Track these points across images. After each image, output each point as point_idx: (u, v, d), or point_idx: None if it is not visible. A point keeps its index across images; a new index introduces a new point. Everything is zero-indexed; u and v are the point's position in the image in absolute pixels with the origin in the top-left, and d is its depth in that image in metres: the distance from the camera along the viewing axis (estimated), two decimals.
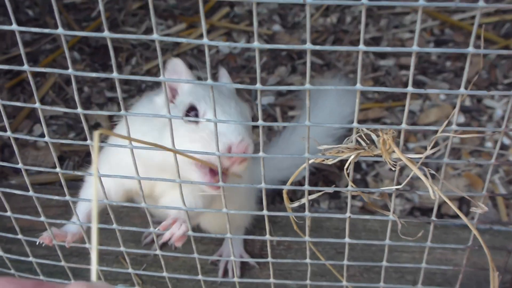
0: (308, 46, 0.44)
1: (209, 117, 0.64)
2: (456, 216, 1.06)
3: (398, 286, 0.65)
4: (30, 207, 0.95)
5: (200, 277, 0.67)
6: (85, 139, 1.22)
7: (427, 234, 0.92)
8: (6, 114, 1.26)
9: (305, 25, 1.48)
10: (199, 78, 0.77)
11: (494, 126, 1.18)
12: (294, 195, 1.06)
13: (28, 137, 0.57)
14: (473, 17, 1.43)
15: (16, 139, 1.24)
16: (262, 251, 0.89)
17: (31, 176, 1.12)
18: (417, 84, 1.30)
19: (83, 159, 1.16)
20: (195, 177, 0.62)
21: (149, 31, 1.46)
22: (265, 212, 0.58)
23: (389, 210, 0.59)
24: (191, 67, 1.36)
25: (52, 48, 1.43)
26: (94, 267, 0.37)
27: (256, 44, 0.44)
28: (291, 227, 0.92)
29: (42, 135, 1.22)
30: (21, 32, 1.49)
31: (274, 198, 1.06)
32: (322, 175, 1.11)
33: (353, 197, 1.09)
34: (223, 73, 0.76)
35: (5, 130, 1.23)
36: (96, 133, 0.44)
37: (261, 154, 0.53)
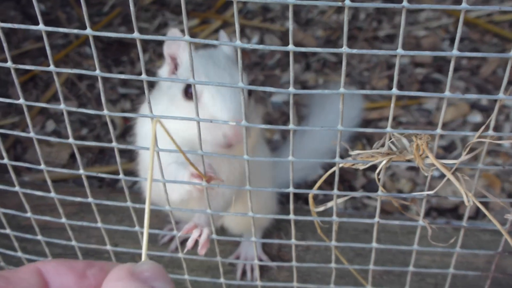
0: (344, 50, 0.43)
1: (206, 97, 0.64)
2: (475, 217, 1.04)
3: None
4: (44, 205, 0.95)
5: (222, 280, 0.66)
6: (98, 136, 1.21)
7: (447, 236, 0.91)
8: (19, 110, 1.25)
9: (319, 21, 1.46)
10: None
11: (511, 126, 1.17)
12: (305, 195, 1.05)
13: (53, 139, 0.56)
14: (489, 15, 1.42)
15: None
16: (280, 251, 0.88)
17: (42, 173, 1.11)
18: (432, 82, 1.28)
19: (96, 155, 1.15)
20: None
21: (161, 26, 1.45)
22: (291, 217, 0.57)
23: (410, 212, 0.58)
24: None
25: (65, 43, 1.42)
26: (144, 247, 0.36)
27: (291, 47, 0.43)
28: (309, 228, 0.92)
29: (55, 131, 1.21)
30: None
31: (287, 197, 1.05)
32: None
33: (369, 197, 1.08)
34: (222, 36, 0.75)
35: (18, 126, 1.22)
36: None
37: (290, 158, 0.52)
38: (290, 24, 0.41)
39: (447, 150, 1.13)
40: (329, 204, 0.58)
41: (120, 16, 1.50)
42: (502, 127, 1.17)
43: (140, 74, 1.34)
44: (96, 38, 1.51)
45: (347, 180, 1.10)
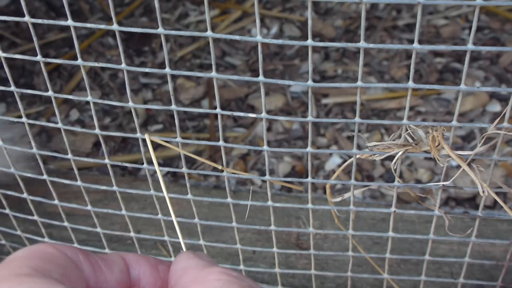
0: (362, 44, 0.44)
1: None
2: (492, 207, 1.05)
3: (439, 280, 0.65)
4: (69, 192, 0.97)
5: (241, 267, 0.68)
6: (121, 125, 1.23)
7: (464, 225, 0.92)
8: (44, 99, 1.28)
9: (338, 11, 1.47)
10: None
11: None
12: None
13: (79, 129, 0.58)
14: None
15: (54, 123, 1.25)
16: (299, 240, 0.90)
17: (68, 162, 1.14)
18: (451, 71, 1.29)
19: (119, 144, 1.17)
20: None
21: (182, 17, 1.47)
22: (309, 206, 0.58)
23: (427, 202, 0.59)
24: (224, 53, 1.37)
25: (88, 33, 1.44)
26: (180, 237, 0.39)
27: (309, 41, 0.44)
28: (328, 216, 0.93)
29: (78, 121, 1.24)
30: (57, 17, 1.50)
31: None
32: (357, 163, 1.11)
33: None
34: None
35: (43, 115, 1.25)
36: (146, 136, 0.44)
37: (309, 149, 0.53)
38: (309, 19, 0.43)
39: (466, 140, 1.14)
40: (346, 195, 0.60)
41: (141, 6, 1.52)
42: None
43: (161, 64, 1.35)
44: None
45: (365, 169, 1.11)
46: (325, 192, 1.07)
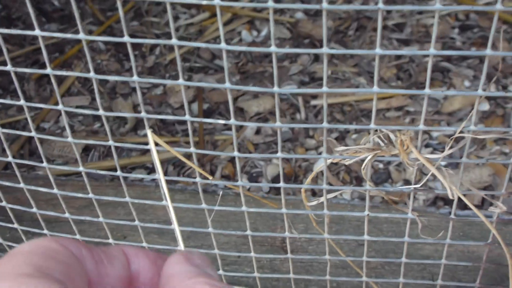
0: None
1: None
2: (480, 206, 1.05)
3: (418, 282, 0.65)
4: (56, 198, 0.98)
5: (220, 272, 0.68)
6: (110, 130, 1.23)
7: (448, 225, 0.92)
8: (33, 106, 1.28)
9: (328, 11, 1.47)
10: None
11: None
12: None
13: (53, 137, 0.58)
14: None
15: (44, 130, 1.26)
16: (283, 243, 0.90)
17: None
18: (441, 71, 1.29)
19: (108, 149, 1.18)
20: None
21: (173, 20, 1.47)
22: (284, 211, 0.58)
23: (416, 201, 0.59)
24: (214, 56, 1.37)
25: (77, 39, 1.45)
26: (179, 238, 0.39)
27: (273, 48, 0.44)
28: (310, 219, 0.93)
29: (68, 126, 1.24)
30: (47, 22, 1.50)
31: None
32: (343, 164, 1.11)
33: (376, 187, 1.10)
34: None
35: (33, 121, 1.25)
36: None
37: (279, 154, 0.53)
38: (272, 30, 0.43)
39: (454, 139, 1.14)
40: (321, 199, 0.60)
41: (132, 10, 1.52)
42: (510, 114, 1.17)
43: (151, 67, 1.35)
44: (108, 32, 1.53)
45: (354, 170, 1.11)
46: (313, 194, 1.07)
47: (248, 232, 0.61)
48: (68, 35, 0.50)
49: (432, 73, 1.28)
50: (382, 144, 0.54)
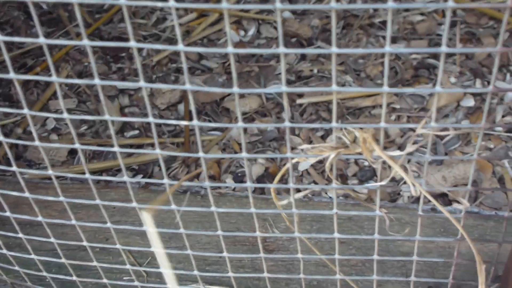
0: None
1: None
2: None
3: (391, 278, 0.65)
4: (39, 201, 0.98)
5: (195, 272, 0.68)
6: (97, 132, 1.24)
7: (430, 221, 0.92)
8: (19, 108, 1.28)
9: (315, 10, 1.47)
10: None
11: (504, 109, 1.17)
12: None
13: (22, 142, 0.59)
14: None
15: (30, 133, 1.26)
16: (265, 242, 0.90)
17: (43, 170, 1.14)
18: (427, 68, 1.28)
19: (94, 151, 1.18)
20: None
21: (160, 21, 1.47)
22: (252, 210, 0.59)
23: (396, 198, 0.60)
24: (201, 57, 1.38)
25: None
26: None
27: (230, 49, 0.44)
28: (293, 217, 0.93)
29: (55, 129, 1.25)
30: (34, 26, 1.49)
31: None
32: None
33: (361, 184, 1.10)
34: None
35: (19, 126, 1.25)
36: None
37: (244, 154, 0.53)
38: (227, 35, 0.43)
39: (439, 136, 1.14)
40: (291, 198, 0.60)
41: (120, 12, 1.52)
42: (495, 110, 1.17)
43: (136, 71, 1.34)
44: (96, 35, 1.53)
45: (339, 168, 1.11)
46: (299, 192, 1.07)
47: (219, 232, 0.61)
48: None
49: (418, 70, 1.28)
50: (347, 142, 0.54)
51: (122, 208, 0.97)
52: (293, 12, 1.46)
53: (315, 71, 1.31)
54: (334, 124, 0.51)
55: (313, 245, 0.90)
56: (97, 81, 0.50)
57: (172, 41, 1.42)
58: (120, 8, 1.53)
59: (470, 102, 1.19)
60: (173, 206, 0.60)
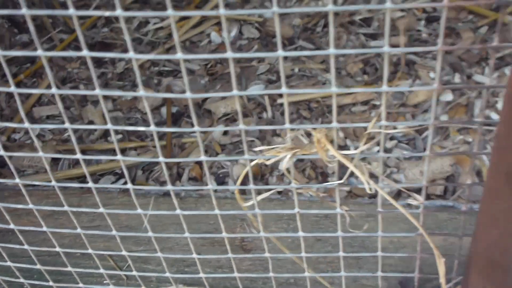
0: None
1: None
2: (442, 196, 1.06)
3: (358, 274, 0.67)
4: (21, 208, 0.99)
5: (167, 274, 0.69)
6: (81, 137, 1.25)
7: (405, 217, 0.93)
8: (4, 116, 1.30)
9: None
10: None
11: (481, 103, 1.18)
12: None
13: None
14: None
15: (15, 140, 1.27)
16: (243, 242, 0.91)
17: (27, 177, 1.15)
18: (407, 64, 1.29)
19: None
20: None
21: (142, 25, 1.48)
22: (217, 212, 0.60)
23: (376, 195, 0.61)
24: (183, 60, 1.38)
25: (49, 47, 1.46)
26: None
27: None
28: (271, 217, 0.94)
29: (39, 135, 1.26)
30: (19, 33, 1.51)
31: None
32: (309, 160, 1.12)
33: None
34: None
35: (2, 133, 1.26)
36: None
37: (202, 157, 0.54)
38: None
39: (418, 131, 1.15)
40: (258, 198, 0.61)
41: (103, 17, 1.54)
42: (473, 104, 1.18)
43: (121, 73, 1.36)
44: (79, 40, 1.54)
45: (319, 166, 1.12)
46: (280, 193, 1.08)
47: (186, 234, 0.62)
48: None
49: (398, 66, 1.29)
50: (305, 142, 0.55)
51: (103, 213, 0.98)
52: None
53: (296, 70, 1.32)
54: (287, 125, 0.52)
55: (289, 243, 0.91)
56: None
57: (154, 44, 1.43)
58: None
59: (449, 97, 1.20)
60: (139, 211, 0.61)
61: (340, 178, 0.57)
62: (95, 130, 1.24)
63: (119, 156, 0.56)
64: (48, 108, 1.30)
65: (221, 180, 1.12)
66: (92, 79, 1.37)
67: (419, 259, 0.64)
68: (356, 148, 1.17)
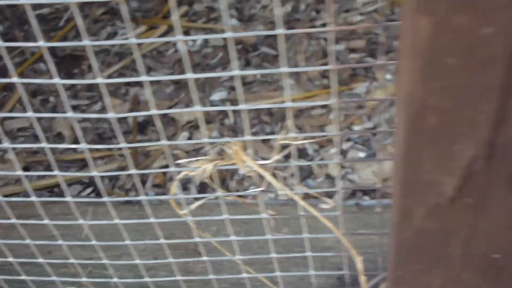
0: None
1: None
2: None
3: (295, 274, 0.71)
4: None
5: (128, 280, 0.73)
6: (52, 148, 1.28)
7: (352, 216, 0.97)
8: None
9: (260, 16, 1.52)
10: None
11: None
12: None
13: None
14: None
15: None
16: (197, 245, 0.95)
17: (3, 189, 1.20)
18: (364, 67, 1.34)
19: (46, 167, 1.23)
20: None
21: (110, 36, 1.52)
22: (152, 220, 0.64)
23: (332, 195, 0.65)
24: (150, 69, 1.43)
25: (21, 60, 1.50)
26: None
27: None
28: (230, 220, 0.98)
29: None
30: None
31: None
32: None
33: (306, 186, 1.15)
34: None
35: None
36: None
37: (133, 171, 0.58)
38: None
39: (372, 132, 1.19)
40: (192, 206, 0.65)
41: (74, 29, 1.58)
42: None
43: (90, 84, 1.38)
44: (51, 53, 1.58)
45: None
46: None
47: (127, 242, 0.67)
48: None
49: (356, 69, 1.33)
50: (227, 153, 0.59)
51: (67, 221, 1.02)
52: (240, 19, 1.52)
53: (258, 76, 1.36)
54: (205, 139, 0.56)
55: (241, 245, 0.95)
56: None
57: (122, 55, 1.47)
58: (73, 26, 1.58)
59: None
60: (81, 221, 0.66)
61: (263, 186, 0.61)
62: (64, 140, 1.28)
63: (56, 172, 0.60)
64: (19, 121, 1.34)
65: (183, 185, 1.16)
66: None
67: (347, 257, 0.68)
68: (314, 150, 1.22)
